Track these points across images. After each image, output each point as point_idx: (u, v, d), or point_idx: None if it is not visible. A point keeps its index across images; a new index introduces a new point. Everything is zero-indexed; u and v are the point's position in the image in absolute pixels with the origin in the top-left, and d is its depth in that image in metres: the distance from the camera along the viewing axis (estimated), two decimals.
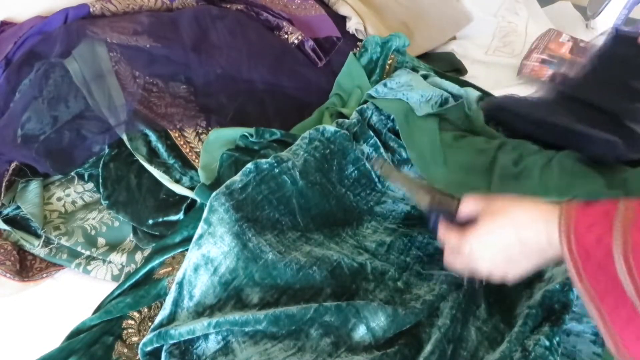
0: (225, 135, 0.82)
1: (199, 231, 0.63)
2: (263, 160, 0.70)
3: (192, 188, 0.79)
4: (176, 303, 0.61)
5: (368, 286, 0.64)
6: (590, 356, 0.58)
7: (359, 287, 0.64)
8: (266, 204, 0.67)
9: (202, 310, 0.60)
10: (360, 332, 0.58)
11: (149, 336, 0.58)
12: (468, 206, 0.54)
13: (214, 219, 0.63)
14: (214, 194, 0.64)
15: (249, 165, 0.68)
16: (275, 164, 0.70)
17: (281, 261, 0.62)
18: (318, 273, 0.62)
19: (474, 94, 0.94)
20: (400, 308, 0.60)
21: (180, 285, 0.61)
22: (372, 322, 0.58)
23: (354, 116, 0.83)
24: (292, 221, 0.68)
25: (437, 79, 0.95)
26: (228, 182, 0.66)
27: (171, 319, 0.60)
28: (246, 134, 0.82)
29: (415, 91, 0.87)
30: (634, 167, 0.78)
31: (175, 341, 0.57)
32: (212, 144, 0.81)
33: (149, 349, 0.58)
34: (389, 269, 0.66)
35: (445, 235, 0.55)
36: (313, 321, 0.58)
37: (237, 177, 0.67)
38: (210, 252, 0.61)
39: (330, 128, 0.78)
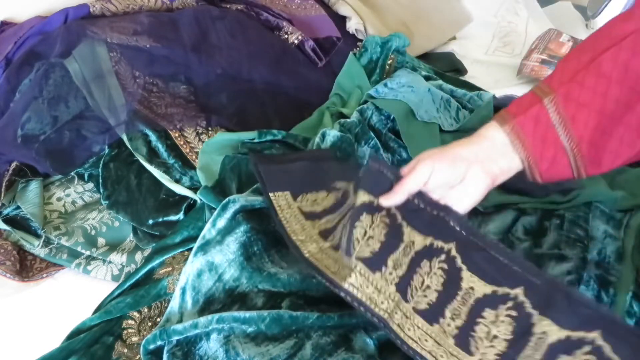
0: (227, 140, 0.82)
1: (205, 235, 0.63)
2: None
3: (192, 188, 0.79)
4: (181, 309, 0.61)
5: None
6: None
7: None
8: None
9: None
10: (360, 340, 0.58)
11: (152, 333, 0.58)
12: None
13: (221, 225, 0.63)
14: (226, 200, 0.64)
15: None
16: None
17: (284, 273, 0.62)
18: (322, 282, 0.62)
19: (487, 96, 0.94)
20: None
21: (184, 290, 0.61)
22: (372, 330, 0.59)
23: (355, 116, 0.83)
24: None
25: (448, 86, 0.95)
26: (250, 197, 0.66)
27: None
28: (247, 139, 0.81)
29: (415, 93, 0.87)
30: (634, 167, 0.78)
31: (178, 337, 0.57)
32: (211, 145, 0.81)
33: (151, 347, 0.58)
34: None
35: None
36: (313, 324, 0.58)
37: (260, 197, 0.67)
38: (215, 259, 0.61)
39: (335, 133, 0.78)
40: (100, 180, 0.81)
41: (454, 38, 1.24)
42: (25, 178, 0.82)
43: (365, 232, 0.55)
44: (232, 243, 0.62)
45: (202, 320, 0.56)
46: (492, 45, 1.23)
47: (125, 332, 0.66)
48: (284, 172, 0.68)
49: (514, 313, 0.53)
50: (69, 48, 0.84)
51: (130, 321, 0.67)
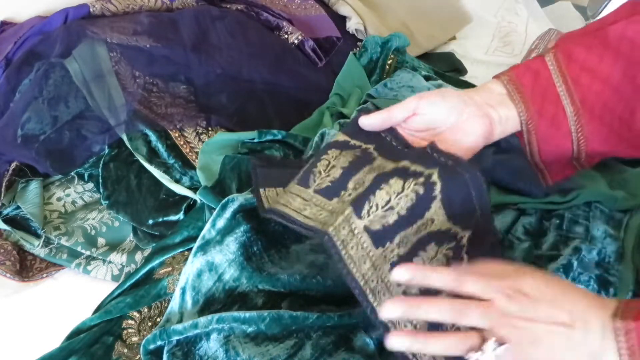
0: (227, 140, 0.82)
1: (205, 235, 0.63)
2: None
3: (192, 188, 0.79)
4: (181, 309, 0.61)
5: None
6: None
7: None
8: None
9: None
10: (360, 340, 0.58)
11: (152, 333, 0.58)
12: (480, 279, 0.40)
13: (221, 225, 0.63)
14: (225, 200, 0.64)
15: None
16: None
17: (284, 273, 0.62)
18: (322, 282, 0.62)
19: None
20: None
21: (184, 291, 0.61)
22: (372, 330, 0.59)
23: (355, 116, 0.83)
24: (295, 234, 0.68)
25: (448, 86, 0.95)
26: (249, 195, 0.66)
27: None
28: (247, 139, 0.81)
29: (415, 93, 0.87)
30: (634, 167, 0.78)
31: (178, 337, 0.57)
32: (211, 145, 0.81)
33: (151, 347, 0.58)
34: None
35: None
36: (313, 324, 0.58)
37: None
38: (215, 259, 0.61)
39: (335, 132, 0.78)
40: (100, 180, 0.81)
41: (454, 38, 1.24)
42: (25, 178, 0.82)
43: (329, 163, 0.52)
44: (232, 243, 0.62)
45: (202, 320, 0.57)
46: (492, 45, 1.23)
47: (125, 332, 0.66)
48: (282, 174, 0.66)
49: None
50: (69, 48, 0.84)
51: (130, 321, 0.67)
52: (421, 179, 0.50)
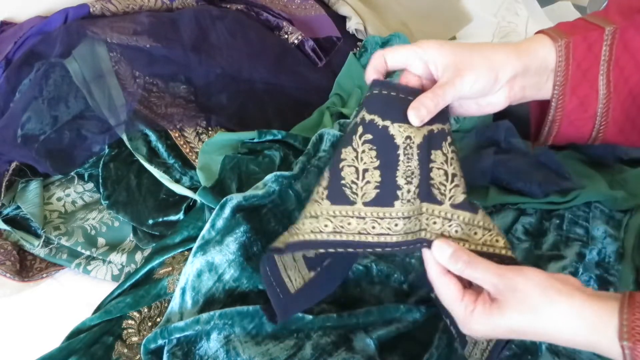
0: (227, 140, 0.82)
1: (205, 235, 0.63)
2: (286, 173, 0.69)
3: (192, 188, 0.79)
4: (181, 309, 0.61)
5: (373, 290, 0.64)
6: (590, 356, 0.58)
7: (363, 291, 0.64)
8: (271, 217, 0.67)
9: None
10: (360, 340, 0.58)
11: (153, 332, 0.58)
12: (478, 271, 0.43)
13: (220, 225, 0.63)
14: (224, 200, 0.64)
15: (273, 186, 0.68)
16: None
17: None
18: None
19: None
20: (403, 308, 0.60)
21: (184, 291, 0.61)
22: (372, 330, 0.59)
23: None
24: None
25: None
26: (248, 193, 0.66)
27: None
28: (247, 139, 0.81)
29: None
30: (634, 167, 0.78)
31: (179, 334, 0.57)
32: (211, 145, 0.81)
33: (152, 346, 0.58)
34: (394, 272, 0.66)
35: (447, 299, 0.45)
36: (313, 324, 0.58)
37: (259, 192, 0.66)
38: (215, 259, 0.61)
39: (335, 133, 0.78)
40: (100, 180, 0.81)
41: (454, 38, 1.24)
42: (25, 178, 0.82)
43: (356, 169, 0.46)
44: (232, 243, 0.62)
45: (204, 316, 0.56)
46: None
47: (125, 332, 0.66)
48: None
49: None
50: (69, 48, 0.84)
51: (130, 321, 0.67)
52: (449, 138, 0.48)
